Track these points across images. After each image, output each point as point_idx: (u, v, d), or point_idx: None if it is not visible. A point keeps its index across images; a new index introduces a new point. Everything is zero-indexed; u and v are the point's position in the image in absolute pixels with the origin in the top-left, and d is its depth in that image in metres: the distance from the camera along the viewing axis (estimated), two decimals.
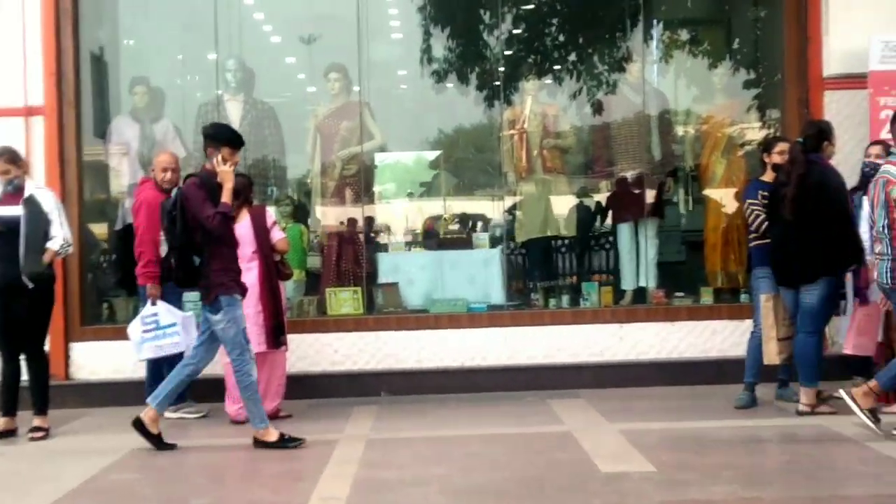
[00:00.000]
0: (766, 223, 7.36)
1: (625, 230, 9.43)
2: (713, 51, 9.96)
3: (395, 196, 11.15)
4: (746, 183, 8.18)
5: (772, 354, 7.31)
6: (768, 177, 7.48)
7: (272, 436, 6.62)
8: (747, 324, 7.88)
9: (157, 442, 6.69)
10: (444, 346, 8.65)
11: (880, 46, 8.17)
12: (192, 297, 7.82)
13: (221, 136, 6.62)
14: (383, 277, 9.28)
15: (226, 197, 6.47)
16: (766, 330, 7.32)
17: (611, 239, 9.68)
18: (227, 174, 6.50)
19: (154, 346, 7.60)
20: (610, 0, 9.97)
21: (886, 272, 6.45)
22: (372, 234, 9.73)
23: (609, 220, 9.79)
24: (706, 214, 9.42)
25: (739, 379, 7.62)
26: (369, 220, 9.65)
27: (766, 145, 7.75)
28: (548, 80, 10.15)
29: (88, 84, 9.09)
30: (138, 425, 6.66)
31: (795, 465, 5.87)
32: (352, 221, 9.41)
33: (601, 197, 10.02)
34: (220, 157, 6.52)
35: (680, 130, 9.76)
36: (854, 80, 8.41)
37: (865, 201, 7.47)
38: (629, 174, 9.40)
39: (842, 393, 6.54)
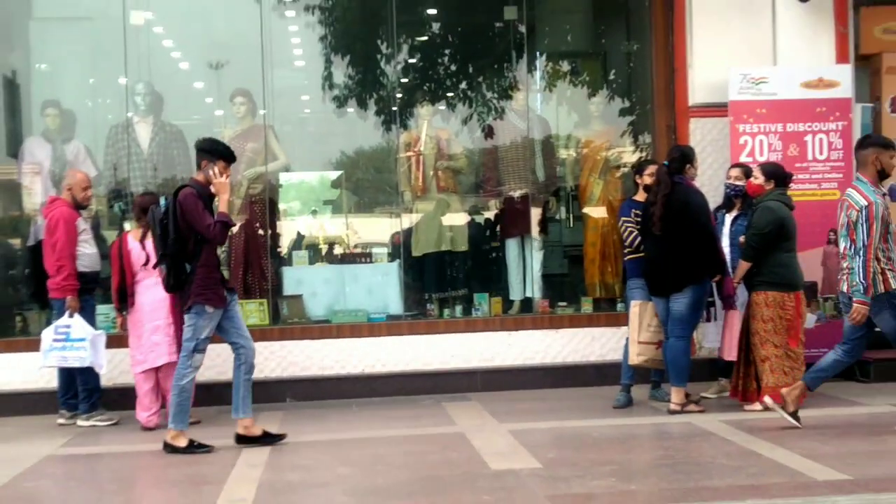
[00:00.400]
0: (639, 239, 7.54)
1: (512, 245, 9.53)
2: (591, 81, 10.14)
3: (300, 213, 11.06)
4: (621, 202, 8.35)
5: (633, 356, 7.50)
6: (640, 196, 7.66)
7: (182, 441, 6.51)
8: (623, 330, 8.02)
9: (268, 439, 6.63)
10: (346, 354, 8.63)
11: (739, 79, 8.42)
12: (104, 310, 7.67)
13: (217, 151, 6.53)
14: (288, 290, 9.21)
15: (224, 207, 6.41)
16: (630, 333, 7.51)
17: (500, 253, 9.76)
18: (224, 185, 6.43)
19: (59, 355, 7.43)
20: (498, 33, 10.08)
21: (852, 287, 6.48)
22: (277, 249, 9.65)
23: (498, 236, 9.88)
24: (585, 231, 9.55)
25: (617, 381, 7.75)
26: (275, 236, 9.58)
27: (638, 168, 7.93)
28: (441, 107, 10.21)
29: (1, 106, 8.83)
30: (241, 440, 6.57)
31: (667, 459, 6.00)
32: (258, 237, 9.32)
33: (491, 214, 10.11)
34: (216, 170, 6.43)
35: (561, 154, 9.89)
36: (716, 109, 8.64)
37: (728, 218, 7.76)
38: (516, 193, 9.51)
39: (772, 402, 6.68)
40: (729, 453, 6.00)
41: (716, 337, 7.85)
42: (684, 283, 7.12)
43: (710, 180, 8.69)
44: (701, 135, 8.82)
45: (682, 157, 7.30)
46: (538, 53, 10.12)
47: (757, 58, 8.75)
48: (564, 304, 9.33)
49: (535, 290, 9.36)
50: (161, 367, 7.53)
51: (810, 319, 8.12)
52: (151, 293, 7.47)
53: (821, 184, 8.43)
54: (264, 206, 9.20)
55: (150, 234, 7.38)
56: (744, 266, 7.20)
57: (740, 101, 8.42)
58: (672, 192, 7.08)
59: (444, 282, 9.56)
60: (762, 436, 6.42)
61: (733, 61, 8.62)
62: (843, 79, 8.48)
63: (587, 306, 9.19)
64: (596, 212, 9.50)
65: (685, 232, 7.05)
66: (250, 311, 8.79)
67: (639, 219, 7.50)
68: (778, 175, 7.30)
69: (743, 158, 8.26)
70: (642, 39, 9.53)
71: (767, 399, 6.84)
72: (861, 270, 6.40)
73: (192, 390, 6.63)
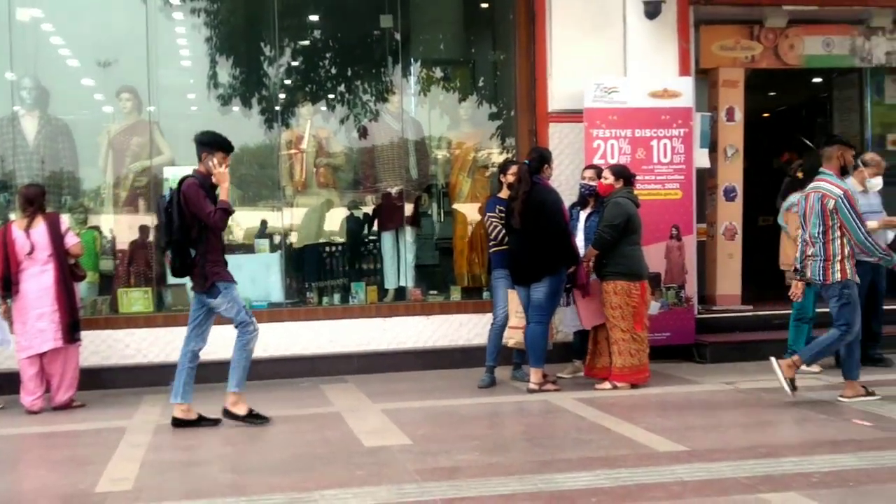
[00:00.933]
0: (503, 233, 7.60)
1: (388, 237, 9.48)
2: (461, 87, 10.16)
3: None
4: (487, 199, 8.39)
5: (505, 338, 7.62)
6: (504, 194, 7.71)
7: (242, 409, 6.41)
8: (488, 316, 8.05)
9: (252, 418, 6.43)
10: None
11: (593, 88, 8.55)
12: None
13: (216, 143, 6.43)
14: (172, 279, 8.91)
15: (224, 195, 6.32)
16: (511, 317, 7.58)
17: (376, 245, 9.70)
18: (224, 175, 6.35)
19: None
20: (375, 40, 9.99)
21: (819, 271, 6.63)
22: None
23: (375, 229, 9.82)
24: (455, 225, 9.59)
25: (482, 363, 7.79)
26: (160, 227, 9.23)
27: (503, 167, 7.98)
28: (322, 107, 10.06)
29: None
30: (227, 414, 6.40)
31: (526, 434, 6.07)
32: (143, 228, 9.00)
33: (368, 209, 10.03)
34: (215, 161, 6.33)
35: (434, 153, 9.88)
36: (573, 115, 8.76)
37: (582, 214, 7.87)
38: (392, 190, 9.46)
39: (772, 361, 6.67)
40: (581, 428, 6.10)
41: (572, 322, 7.97)
42: (542, 273, 7.20)
43: (567, 180, 8.82)
44: (559, 138, 8.94)
45: (541, 158, 7.38)
46: (412, 60, 10.07)
47: (610, 69, 8.92)
48: (435, 292, 9.34)
49: (408, 279, 9.34)
50: (46, 352, 7.19)
51: (654, 306, 8.33)
52: (36, 281, 7.13)
53: (664, 184, 8.64)
54: (149, 199, 8.89)
55: (35, 224, 7.05)
56: (592, 252, 7.33)
57: (594, 109, 8.55)
58: (531, 191, 7.14)
59: (323, 272, 9.44)
60: (611, 412, 6.54)
61: (588, 72, 8.76)
62: (685, 90, 8.71)
63: (456, 294, 9.22)
64: (465, 207, 9.53)
65: (542, 227, 7.13)
66: (135, 299, 8.49)
67: (502, 214, 7.55)
68: (625, 175, 7.47)
69: (596, 160, 8.39)
70: (507, 50, 9.59)
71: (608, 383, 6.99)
72: (869, 242, 6.53)
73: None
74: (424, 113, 10.15)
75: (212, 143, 6.44)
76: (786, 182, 8.14)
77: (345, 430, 6.22)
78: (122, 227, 8.91)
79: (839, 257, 6.60)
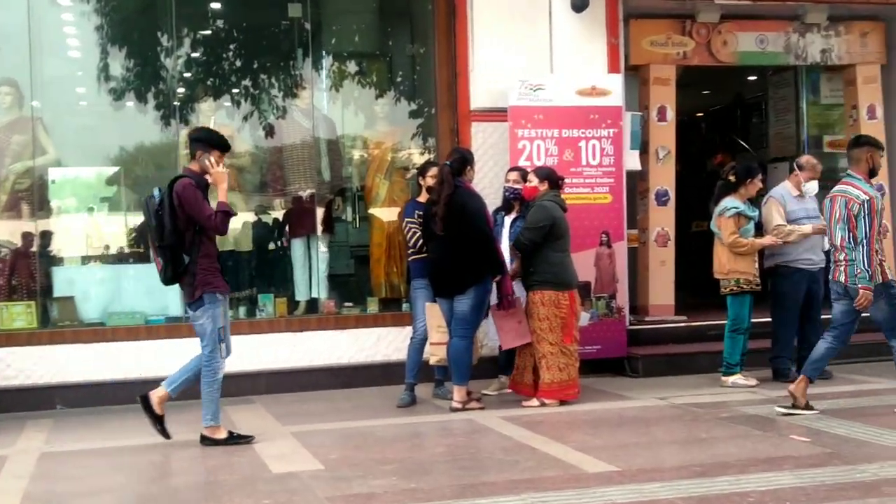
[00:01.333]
0: (422, 240, 7.63)
1: (298, 245, 9.42)
2: (377, 82, 10.14)
3: (76, 210, 10.48)
4: (406, 203, 8.40)
5: (426, 355, 7.63)
6: (423, 198, 7.74)
7: (221, 433, 6.47)
8: (408, 330, 8.07)
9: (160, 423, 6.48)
10: (122, 357, 8.26)
11: (518, 85, 8.63)
12: None
13: (212, 140, 6.44)
14: (59, 291, 8.72)
15: (223, 196, 6.33)
16: (430, 333, 7.59)
17: (285, 253, 9.62)
18: (222, 175, 6.37)
19: None
20: (283, 30, 9.92)
21: (852, 276, 6.76)
22: (48, 249, 9.11)
23: (284, 236, 9.74)
24: (371, 231, 9.57)
25: (402, 380, 7.80)
26: (45, 235, 9.03)
27: (422, 169, 8.02)
28: (225, 102, 9.94)
29: None
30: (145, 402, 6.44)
31: (448, 456, 6.08)
32: (26, 235, 8.77)
33: (277, 214, 9.95)
34: (212, 160, 6.33)
35: (348, 154, 9.87)
36: (496, 114, 8.83)
37: (507, 220, 7.95)
38: (302, 193, 9.41)
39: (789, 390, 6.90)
40: (506, 448, 6.15)
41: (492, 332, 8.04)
42: (466, 283, 7.24)
43: (490, 183, 8.89)
44: (482, 138, 9.01)
45: (462, 160, 7.43)
46: (324, 52, 10.03)
47: (536, 65, 9.03)
48: (350, 304, 9.30)
49: (321, 290, 9.29)
50: None
51: (584, 317, 8.47)
52: None
53: (594, 188, 8.79)
54: (33, 202, 8.68)
55: None
56: (518, 264, 7.39)
57: (519, 107, 8.64)
58: (452, 194, 7.18)
59: (228, 282, 9.29)
60: (538, 430, 6.62)
61: (513, 68, 8.86)
62: (615, 88, 8.87)
63: (373, 306, 9.21)
64: (382, 212, 9.53)
65: (465, 233, 7.17)
66: (16, 314, 8.28)
67: (422, 220, 7.58)
68: (551, 178, 7.58)
69: (521, 162, 8.48)
70: (426, 43, 9.62)
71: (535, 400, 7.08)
72: (865, 259, 6.67)
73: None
74: (338, 110, 10.11)
75: (208, 141, 6.44)
76: (718, 185, 8.35)
77: (251, 456, 6.17)
78: (3, 235, 8.66)
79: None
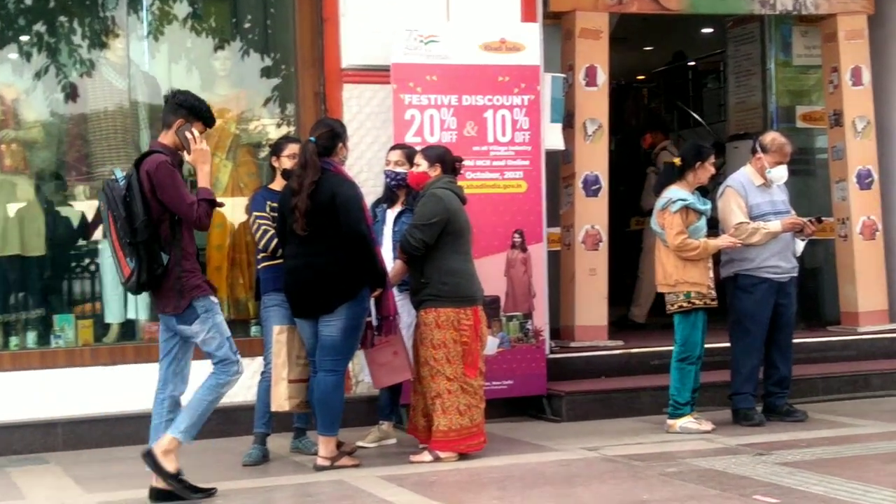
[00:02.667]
0: (277, 241, 7.53)
1: (108, 247, 9.23)
2: (217, 29, 9.97)
3: None
4: (255, 192, 8.31)
5: (280, 399, 7.47)
6: (278, 184, 7.67)
7: (173, 464, 6.54)
8: (258, 362, 8.00)
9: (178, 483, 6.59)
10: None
11: (404, 35, 8.62)
12: None
13: (197, 109, 6.60)
14: None
15: (205, 182, 6.48)
16: (276, 369, 7.48)
17: (93, 259, 9.44)
18: (205, 154, 6.53)
19: None
20: None
21: None
22: None
23: (90, 236, 9.54)
24: (209, 230, 9.45)
25: (250, 429, 7.76)
26: None
27: (276, 147, 7.94)
28: (10, 54, 9.69)
29: None
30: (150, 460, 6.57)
31: None
32: None
33: (84, 205, 9.72)
34: (196, 133, 6.48)
35: None
36: (376, 74, 8.83)
37: (390, 214, 7.92)
38: (117, 177, 9.18)
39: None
40: None
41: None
42: (336, 300, 7.19)
43: (369, 165, 8.90)
44: (358, 106, 9.01)
45: (332, 135, 7.35)
46: None
47: (428, 10, 9.05)
48: None
49: (139, 309, 9.15)
50: None
51: (491, 344, 8.48)
52: None
53: (503, 173, 8.83)
54: None
55: None
56: (400, 267, 7.36)
57: (406, 65, 8.64)
58: (319, 181, 7.11)
59: (9, 298, 9.10)
60: (431, 493, 6.61)
61: (398, 13, 8.85)
62: (530, 41, 8.94)
63: None
64: (223, 204, 9.41)
65: (335, 233, 7.11)
66: None
67: (276, 214, 7.50)
68: (445, 159, 7.58)
69: (409, 138, 8.48)
70: None
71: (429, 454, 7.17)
72: None
73: None
74: (163, 66, 9.94)
75: (194, 109, 6.58)
76: (662, 170, 8.46)
77: None
78: None
79: None
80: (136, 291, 6.73)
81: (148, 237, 6.37)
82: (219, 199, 6.82)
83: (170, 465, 6.49)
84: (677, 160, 8.29)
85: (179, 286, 6.47)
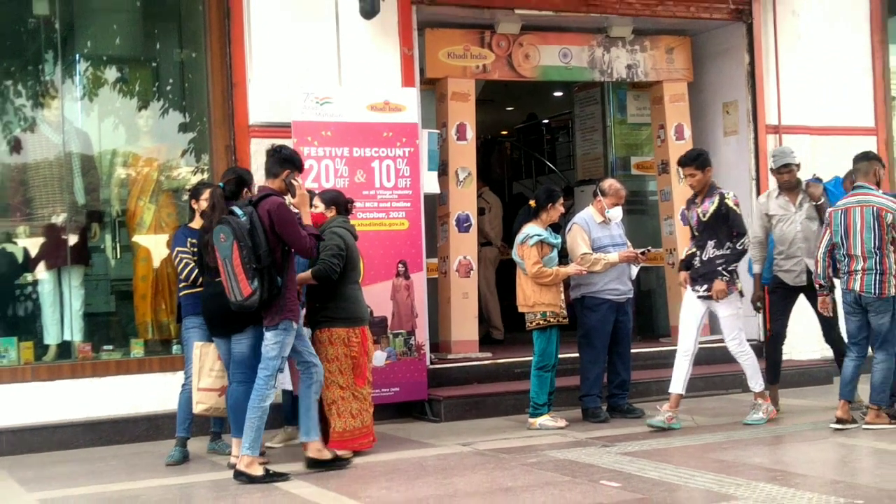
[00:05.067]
0: (196, 271, 7.46)
1: (47, 279, 9.04)
2: (141, 91, 9.86)
3: None
4: (176, 230, 8.22)
5: (193, 403, 7.43)
6: (197, 223, 7.59)
7: (258, 469, 6.72)
8: (179, 376, 7.91)
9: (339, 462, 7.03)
10: None
11: (302, 97, 8.61)
12: None
13: (299, 161, 7.03)
14: None
15: (308, 219, 6.88)
16: (193, 379, 7.41)
17: (32, 289, 9.20)
18: (307, 197, 6.95)
19: None
20: (29, 30, 9.52)
21: (875, 284, 7.61)
22: None
23: (30, 268, 9.32)
24: (135, 262, 9.31)
25: (174, 434, 7.64)
26: None
27: (194, 192, 7.86)
28: None
29: None
30: (314, 464, 6.93)
31: None
32: None
33: (26, 242, 9.50)
34: (299, 181, 6.88)
35: (105, 174, 9.53)
36: (279, 129, 8.78)
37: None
38: (51, 219, 9.07)
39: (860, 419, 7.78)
40: None
41: (283, 379, 7.93)
42: (245, 321, 7.11)
43: None
44: (263, 157, 8.87)
45: (239, 181, 7.28)
46: (78, 56, 9.65)
47: (322, 75, 9.07)
48: (111, 347, 9.05)
49: (75, 331, 8.99)
50: None
51: (380, 357, 8.51)
52: None
53: (389, 213, 8.85)
54: None
55: None
56: (306, 278, 7.33)
57: (304, 122, 8.63)
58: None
59: None
60: (329, 485, 6.59)
61: (297, 78, 8.86)
62: (410, 103, 8.99)
63: (137, 349, 8.96)
64: (147, 240, 9.30)
65: None
66: None
67: (195, 248, 7.42)
68: (338, 202, 7.59)
69: (309, 184, 8.42)
70: (198, 48, 9.48)
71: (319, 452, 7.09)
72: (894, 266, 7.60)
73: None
74: (93, 123, 9.77)
75: (294, 162, 6.96)
76: (521, 211, 8.57)
77: None
78: None
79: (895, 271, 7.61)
80: (250, 308, 6.73)
81: (270, 263, 6.63)
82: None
83: (256, 472, 6.75)
84: (532, 202, 8.41)
85: (283, 305, 6.75)
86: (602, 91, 12.12)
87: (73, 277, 9.08)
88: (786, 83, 10.86)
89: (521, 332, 8.78)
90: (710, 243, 8.04)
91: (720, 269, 8.00)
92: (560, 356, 8.41)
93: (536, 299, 8.23)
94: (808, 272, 8.28)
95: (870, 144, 10.93)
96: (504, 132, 16.23)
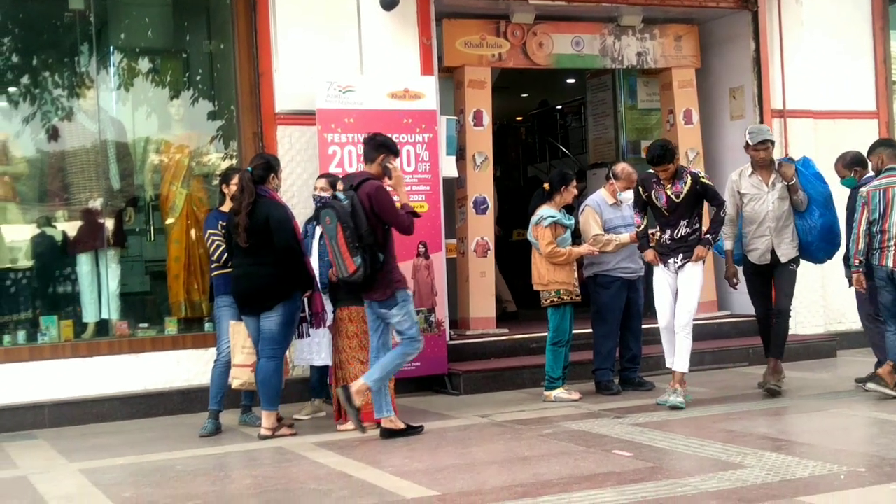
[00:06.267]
0: (226, 253, 7.49)
1: (85, 260, 9.07)
2: (172, 81, 9.89)
3: None
4: (207, 213, 8.25)
5: (230, 378, 7.48)
6: (227, 207, 7.60)
7: (399, 423, 7.14)
8: (211, 352, 7.94)
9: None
10: None
11: (325, 86, 8.62)
12: None
13: (395, 147, 7.29)
14: None
15: (405, 199, 7.16)
16: (234, 354, 7.45)
17: (71, 269, 9.26)
18: (402, 178, 7.21)
19: None
20: (65, 23, 9.54)
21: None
22: None
23: (69, 250, 9.36)
24: (168, 244, 9.33)
25: (206, 407, 7.67)
26: None
27: (224, 177, 7.88)
28: (1, 103, 9.49)
29: None
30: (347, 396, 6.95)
31: (256, 488, 5.99)
32: None
33: (65, 226, 9.56)
34: (394, 164, 7.13)
35: (140, 160, 9.57)
36: (304, 117, 8.82)
37: (318, 230, 7.89)
38: (88, 203, 9.10)
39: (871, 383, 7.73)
40: (319, 477, 6.12)
41: (309, 355, 7.98)
42: (274, 300, 7.16)
43: (299, 191, 8.85)
44: (289, 143, 8.96)
45: (266, 166, 7.34)
46: (112, 48, 9.69)
47: (345, 65, 9.07)
48: (146, 325, 9.08)
49: (112, 310, 9.01)
50: None
51: None
52: None
53: (409, 196, 8.81)
54: None
55: None
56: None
57: (328, 110, 8.63)
58: (255, 203, 7.10)
59: (4, 304, 8.88)
60: (354, 455, 6.63)
61: (321, 68, 8.87)
62: (428, 90, 8.98)
63: (171, 327, 9.00)
64: (179, 224, 9.32)
65: (271, 246, 7.10)
66: None
67: (226, 231, 7.46)
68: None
69: (332, 169, 8.47)
70: (226, 40, 9.48)
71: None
72: None
73: None
74: (128, 111, 9.81)
75: (390, 146, 7.20)
76: (535, 193, 8.54)
77: (34, 498, 5.91)
78: None
79: None
80: (357, 282, 6.95)
81: (372, 242, 6.85)
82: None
83: (358, 401, 6.91)
84: (546, 185, 8.39)
85: (390, 279, 6.96)
86: (613, 78, 12.08)
87: (109, 259, 9.10)
88: (790, 69, 10.78)
89: (536, 309, 8.78)
90: (683, 222, 7.85)
91: (708, 237, 7.86)
92: (574, 332, 8.40)
93: (551, 278, 8.22)
94: (773, 251, 8.13)
95: (871, 128, 10.90)
96: (519, 118, 16.21)
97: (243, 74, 9.06)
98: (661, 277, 7.96)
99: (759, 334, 8.58)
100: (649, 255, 8.00)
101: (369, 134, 7.35)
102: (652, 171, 7.89)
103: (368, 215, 6.87)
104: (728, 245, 8.34)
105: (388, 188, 7.11)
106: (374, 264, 6.90)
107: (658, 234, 8.01)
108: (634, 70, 11.56)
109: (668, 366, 8.07)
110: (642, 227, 8.03)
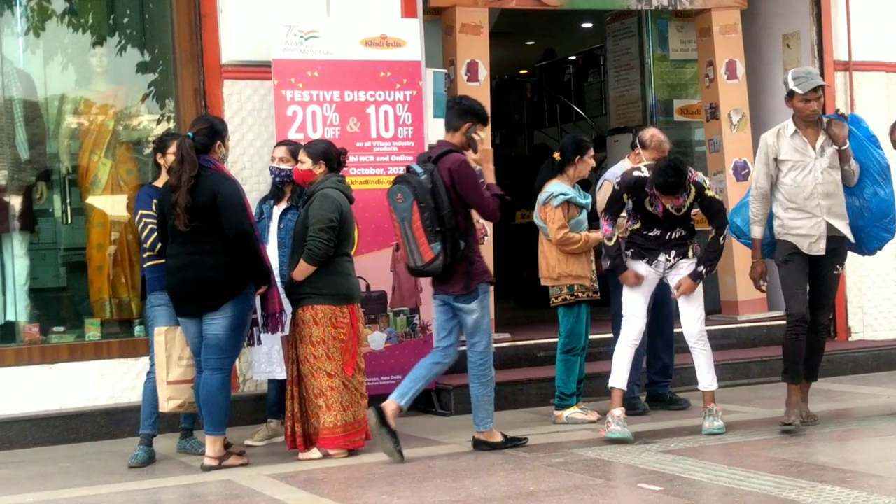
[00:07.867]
0: (161, 238, 7.45)
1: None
2: (94, 25, 9.84)
3: None
4: (138, 189, 8.23)
5: (162, 401, 7.43)
6: (162, 181, 7.57)
7: (497, 436, 7.46)
8: (143, 362, 7.97)
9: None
10: None
11: (284, 31, 8.61)
12: None
13: (483, 114, 7.35)
14: None
15: (492, 178, 7.24)
16: (158, 371, 7.42)
17: None
18: (489, 153, 7.30)
19: None
20: None
21: None
22: None
23: None
24: (90, 228, 9.36)
25: (136, 430, 7.68)
26: None
27: (160, 144, 7.85)
28: None
29: None
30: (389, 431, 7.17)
31: None
32: None
33: None
34: (482, 135, 7.22)
35: (52, 123, 9.56)
36: (257, 69, 8.85)
37: (276, 210, 7.90)
38: None
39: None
40: None
41: (267, 367, 7.97)
42: (220, 297, 7.14)
43: (251, 162, 8.88)
44: (239, 102, 8.98)
45: (211, 131, 7.28)
46: None
47: (307, 5, 9.06)
48: (62, 329, 9.09)
49: (18, 310, 9.04)
50: None
51: (378, 339, 8.53)
52: None
53: (388, 168, 8.84)
54: None
55: None
56: (306, 270, 7.31)
57: (287, 61, 8.63)
58: (198, 177, 7.06)
59: None
60: (320, 490, 6.63)
61: (277, 8, 8.86)
62: (411, 37, 8.98)
63: (94, 331, 9.02)
64: (103, 202, 9.37)
65: (217, 231, 7.07)
66: None
67: (160, 211, 7.43)
68: (329, 155, 7.53)
69: (293, 134, 8.47)
70: None
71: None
72: None
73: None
74: (38, 63, 9.79)
75: (477, 114, 7.28)
76: (543, 165, 8.50)
77: None
78: None
79: None
80: (434, 273, 7.20)
81: (454, 226, 7.05)
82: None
83: (394, 423, 7.19)
84: (557, 154, 8.35)
85: (471, 270, 7.19)
86: (639, 21, 12.10)
87: (15, 246, 9.14)
88: (857, 11, 10.79)
89: (544, 308, 8.77)
90: (678, 227, 7.80)
91: (701, 269, 7.74)
92: (590, 337, 8.41)
93: (562, 270, 8.22)
94: (828, 238, 7.62)
95: None
96: (523, 71, 16.21)
97: (181, 16, 9.04)
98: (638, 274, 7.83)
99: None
100: (629, 277, 7.78)
101: (453, 97, 7.47)
102: (641, 174, 7.71)
103: (450, 194, 7.08)
104: (757, 232, 7.79)
105: (473, 164, 7.25)
106: (454, 252, 7.12)
107: (637, 226, 7.85)
108: (666, 12, 11.57)
109: (610, 385, 7.84)
110: (613, 241, 7.78)
